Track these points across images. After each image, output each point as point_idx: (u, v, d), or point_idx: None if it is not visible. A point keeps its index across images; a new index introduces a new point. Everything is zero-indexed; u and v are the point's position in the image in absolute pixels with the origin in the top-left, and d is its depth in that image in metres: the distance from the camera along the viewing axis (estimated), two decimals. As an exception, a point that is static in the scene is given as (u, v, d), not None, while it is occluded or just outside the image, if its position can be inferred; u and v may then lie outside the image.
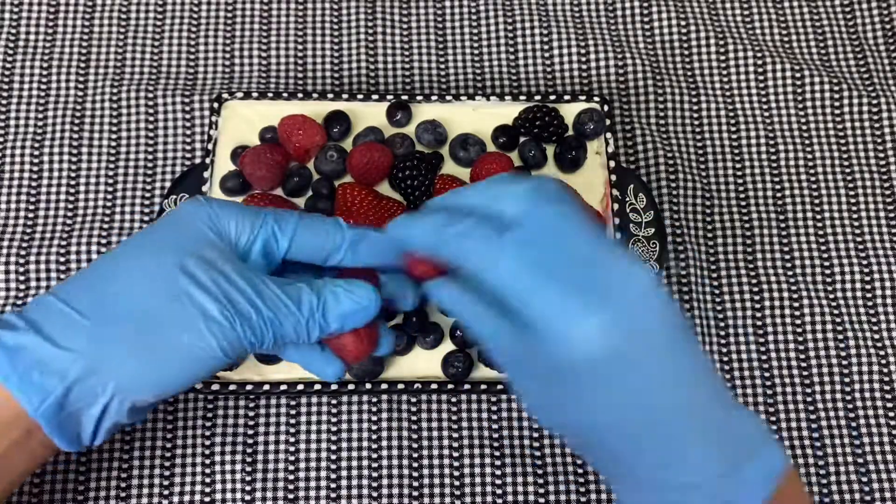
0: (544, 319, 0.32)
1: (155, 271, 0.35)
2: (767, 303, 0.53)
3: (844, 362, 0.52)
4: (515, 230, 0.33)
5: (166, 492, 0.49)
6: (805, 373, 0.52)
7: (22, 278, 0.53)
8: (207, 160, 0.51)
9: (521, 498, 0.49)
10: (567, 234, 0.33)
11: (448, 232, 0.35)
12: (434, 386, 0.46)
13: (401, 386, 0.46)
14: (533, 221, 0.33)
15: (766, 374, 0.52)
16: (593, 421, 0.33)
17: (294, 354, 0.41)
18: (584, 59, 0.59)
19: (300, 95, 0.52)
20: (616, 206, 0.50)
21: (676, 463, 0.33)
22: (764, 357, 0.52)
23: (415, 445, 0.50)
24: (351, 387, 0.46)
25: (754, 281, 0.54)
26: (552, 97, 0.52)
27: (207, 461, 0.49)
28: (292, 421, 0.50)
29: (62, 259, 0.53)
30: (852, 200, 0.56)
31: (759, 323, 0.53)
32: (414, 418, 0.51)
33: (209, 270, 0.35)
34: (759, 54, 0.59)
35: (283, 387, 0.46)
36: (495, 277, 0.33)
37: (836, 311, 0.53)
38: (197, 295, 0.35)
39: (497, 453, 0.50)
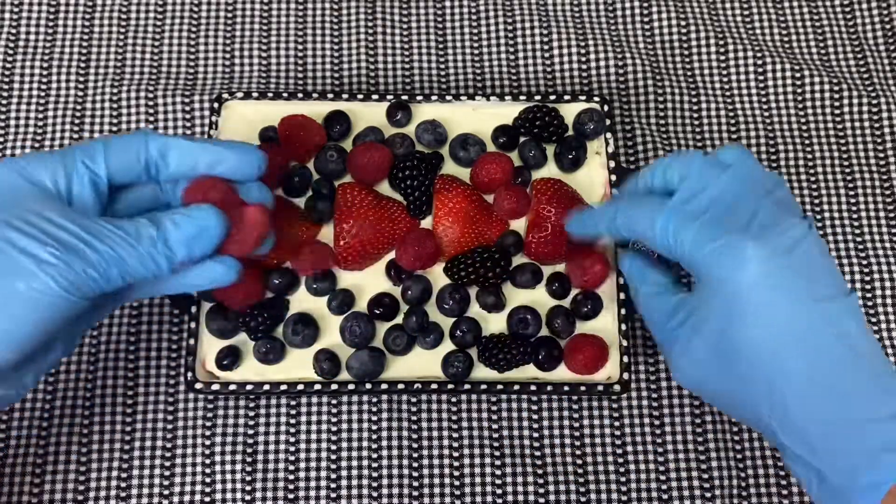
0: (710, 257, 0.37)
1: None
2: (767, 303, 0.53)
3: (844, 362, 0.52)
4: (679, 194, 0.39)
5: (166, 492, 0.49)
6: (805, 373, 0.52)
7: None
8: (207, 160, 0.51)
9: (521, 498, 0.49)
10: (740, 191, 0.38)
11: (617, 208, 0.41)
12: (434, 386, 0.46)
13: (401, 386, 0.46)
14: (698, 184, 0.39)
15: (766, 374, 0.52)
16: (751, 349, 0.36)
17: (180, 283, 0.40)
18: (584, 59, 0.59)
19: (300, 95, 0.52)
20: (616, 206, 0.50)
21: (824, 400, 0.35)
22: (764, 357, 0.52)
23: (415, 445, 0.50)
24: (351, 387, 0.46)
25: (754, 281, 0.54)
26: (552, 97, 0.52)
27: (207, 461, 0.49)
28: (292, 421, 0.50)
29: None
30: (852, 200, 0.56)
31: (759, 323, 0.53)
32: (414, 418, 0.51)
33: (32, 217, 0.35)
34: (759, 54, 0.59)
35: (283, 387, 0.46)
36: (654, 233, 0.39)
37: (836, 311, 0.53)
38: (22, 241, 0.35)
39: (497, 453, 0.50)
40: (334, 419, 0.50)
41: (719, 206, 0.38)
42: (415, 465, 0.50)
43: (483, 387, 0.47)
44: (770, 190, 0.38)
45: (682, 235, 0.38)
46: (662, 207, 0.39)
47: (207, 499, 0.49)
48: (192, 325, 0.47)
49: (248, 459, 0.49)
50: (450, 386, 0.47)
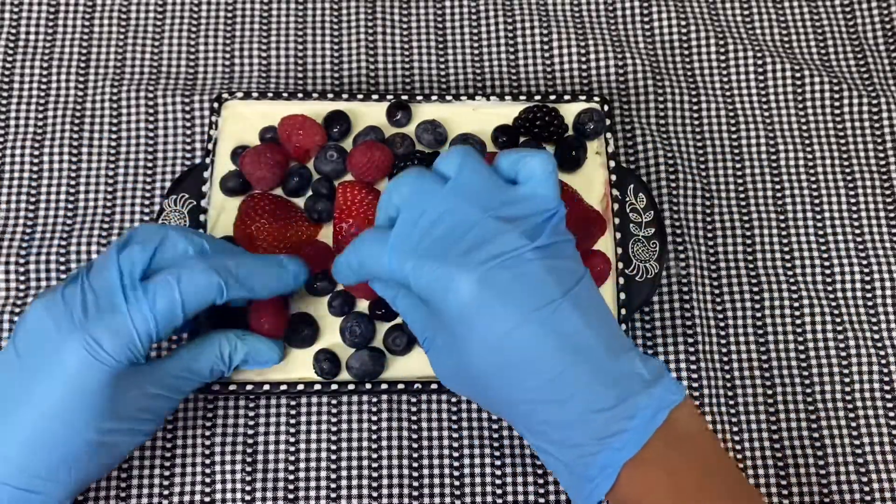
0: (428, 288, 0.37)
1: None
2: (767, 303, 0.53)
3: (844, 362, 0.52)
4: (397, 227, 0.39)
5: (166, 492, 0.49)
6: (805, 373, 0.52)
7: (22, 278, 0.53)
8: (207, 160, 0.51)
9: (521, 498, 0.49)
10: (458, 207, 0.38)
11: (350, 253, 0.42)
12: (434, 386, 0.46)
13: (401, 386, 0.46)
14: (414, 210, 0.39)
15: (766, 374, 0.52)
16: (478, 367, 0.38)
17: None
18: (584, 59, 0.59)
19: (300, 95, 0.52)
20: (616, 206, 0.50)
21: (552, 401, 0.37)
22: (764, 357, 0.52)
23: (415, 445, 0.50)
24: (351, 387, 0.46)
25: (754, 281, 0.54)
26: (552, 97, 0.52)
27: (207, 461, 0.49)
28: (292, 421, 0.50)
29: (62, 259, 0.53)
30: (852, 200, 0.56)
31: (759, 323, 0.53)
32: (414, 418, 0.51)
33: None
34: (759, 54, 0.59)
35: (283, 387, 0.46)
36: (384, 270, 0.39)
37: (836, 311, 0.53)
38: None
39: (497, 453, 0.50)
40: (334, 419, 0.50)
41: (436, 231, 0.38)
42: (415, 465, 0.50)
43: None
44: (491, 203, 0.39)
45: (404, 270, 0.38)
46: (385, 243, 0.39)
47: (207, 499, 0.49)
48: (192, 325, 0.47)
49: (248, 459, 0.49)
50: (450, 386, 0.47)
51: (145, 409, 0.41)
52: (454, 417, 0.51)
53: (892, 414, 0.51)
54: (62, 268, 0.53)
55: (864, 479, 0.50)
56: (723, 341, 0.53)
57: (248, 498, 0.49)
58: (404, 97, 0.52)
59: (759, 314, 0.53)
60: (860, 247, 0.55)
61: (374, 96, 0.52)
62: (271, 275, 0.44)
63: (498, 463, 0.50)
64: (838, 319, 0.53)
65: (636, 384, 0.37)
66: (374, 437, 0.50)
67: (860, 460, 0.50)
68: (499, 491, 0.49)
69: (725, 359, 0.52)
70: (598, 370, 0.37)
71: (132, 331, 0.39)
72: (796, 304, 0.53)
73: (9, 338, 0.42)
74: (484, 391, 0.39)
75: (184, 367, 0.42)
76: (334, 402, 0.51)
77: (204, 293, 0.40)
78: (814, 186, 0.56)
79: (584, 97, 0.52)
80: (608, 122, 0.52)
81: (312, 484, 0.49)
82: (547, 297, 0.37)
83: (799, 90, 0.58)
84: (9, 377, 0.39)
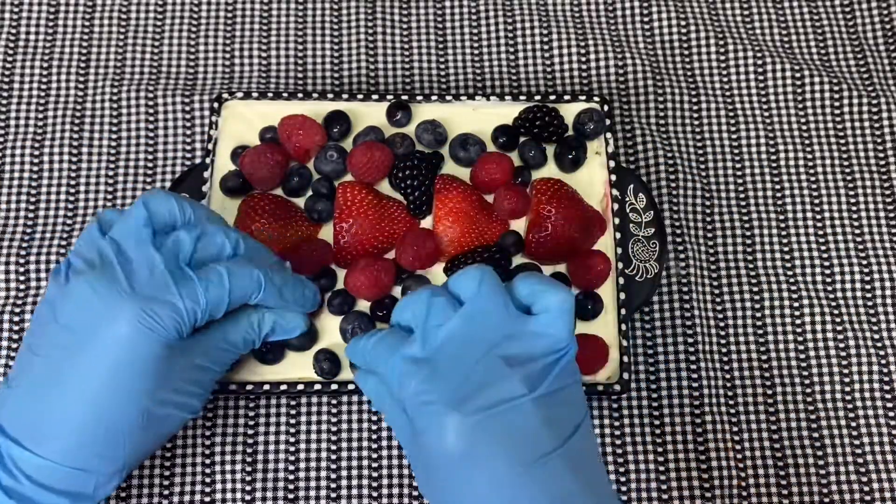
0: (421, 417, 0.37)
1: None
2: (767, 303, 0.53)
3: (844, 362, 0.52)
4: (411, 343, 0.39)
5: (166, 492, 0.49)
6: (805, 373, 0.52)
7: (22, 278, 0.53)
8: (207, 160, 0.51)
9: (521, 498, 0.49)
10: (463, 338, 0.38)
11: (368, 344, 0.42)
12: (434, 386, 0.46)
13: (401, 386, 0.46)
14: (426, 331, 0.39)
15: (766, 374, 0.52)
16: None
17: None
18: (584, 59, 0.59)
19: (300, 95, 0.52)
20: (616, 206, 0.50)
21: None
22: (764, 357, 0.52)
23: (415, 445, 0.50)
24: (351, 387, 0.46)
25: (754, 281, 0.54)
26: (552, 97, 0.52)
27: (207, 461, 0.49)
28: (292, 421, 0.50)
29: (62, 259, 0.53)
30: (852, 200, 0.56)
31: (759, 323, 0.53)
32: (414, 418, 0.50)
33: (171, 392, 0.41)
34: (759, 54, 0.59)
35: (283, 387, 0.46)
36: (389, 380, 0.40)
37: (836, 311, 0.53)
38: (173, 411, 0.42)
39: (497, 453, 0.50)
40: (334, 419, 0.50)
41: (441, 360, 0.38)
42: (415, 465, 0.50)
43: None
44: (500, 339, 0.38)
45: (406, 388, 0.38)
46: (395, 353, 0.39)
47: (207, 499, 0.49)
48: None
49: (248, 459, 0.49)
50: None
51: (194, 382, 0.42)
52: (454, 417, 0.51)
53: (892, 414, 0.51)
54: (62, 268, 0.53)
55: (864, 479, 0.50)
56: (723, 341, 0.53)
57: (248, 498, 0.49)
58: (404, 97, 0.52)
59: (759, 314, 0.53)
60: (860, 247, 0.55)
61: (374, 96, 0.52)
62: (299, 289, 0.45)
63: (498, 463, 0.50)
64: (838, 319, 0.53)
65: None
66: (374, 437, 0.50)
67: (860, 460, 0.50)
68: (499, 491, 0.49)
69: (725, 359, 0.52)
70: None
71: (182, 309, 0.39)
72: (796, 304, 0.53)
73: (32, 319, 0.42)
74: None
75: (221, 338, 0.43)
76: (334, 402, 0.51)
77: (247, 289, 0.42)
78: (814, 186, 0.56)
79: (584, 97, 0.52)
80: (608, 122, 0.52)
81: (312, 484, 0.49)
82: (539, 450, 0.36)
83: (799, 90, 0.58)
84: (59, 353, 0.39)
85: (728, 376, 0.52)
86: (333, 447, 0.50)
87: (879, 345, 0.52)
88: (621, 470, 0.50)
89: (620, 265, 0.49)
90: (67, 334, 0.39)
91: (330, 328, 0.48)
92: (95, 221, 0.42)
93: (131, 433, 0.40)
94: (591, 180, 0.51)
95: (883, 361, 0.52)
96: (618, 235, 0.50)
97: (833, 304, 0.53)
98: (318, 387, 0.47)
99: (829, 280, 0.54)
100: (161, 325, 0.39)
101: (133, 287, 0.39)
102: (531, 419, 0.36)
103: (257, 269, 0.42)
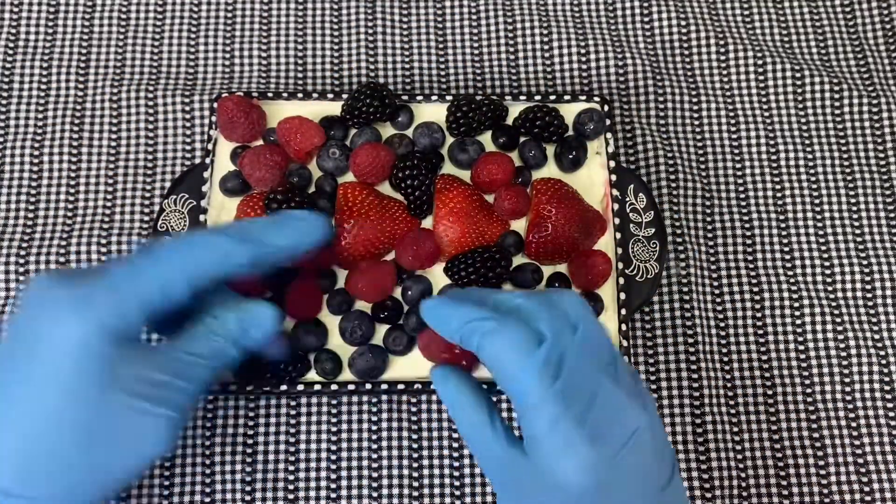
0: (546, 441, 0.35)
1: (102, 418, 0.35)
2: (767, 303, 0.53)
3: (844, 362, 0.52)
4: (546, 349, 0.35)
5: (166, 492, 0.49)
6: (805, 373, 0.52)
7: (22, 278, 0.53)
8: (207, 160, 0.51)
9: (521, 498, 0.49)
10: (586, 362, 0.36)
11: (484, 327, 0.36)
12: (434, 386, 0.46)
13: (401, 386, 0.46)
14: (560, 344, 0.35)
15: (766, 374, 0.52)
16: None
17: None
18: (584, 59, 0.59)
19: (300, 95, 0.52)
20: (616, 206, 0.50)
21: None
22: (764, 357, 0.52)
23: (415, 445, 0.50)
24: (351, 387, 0.46)
25: (754, 281, 0.54)
26: (552, 97, 0.52)
27: (207, 461, 0.49)
28: (292, 421, 0.50)
29: (62, 259, 0.53)
30: (852, 200, 0.56)
31: (759, 323, 0.53)
32: (414, 418, 0.51)
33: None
34: (759, 54, 0.59)
35: (283, 387, 0.46)
36: (514, 388, 0.36)
37: (836, 311, 0.53)
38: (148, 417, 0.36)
39: (497, 453, 0.50)
40: (334, 419, 0.50)
41: (570, 377, 0.35)
42: (415, 465, 0.50)
43: (483, 387, 0.47)
44: (607, 362, 0.37)
45: (543, 413, 0.35)
46: (530, 359, 0.35)
47: (207, 499, 0.49)
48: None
49: (248, 459, 0.49)
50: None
51: (157, 400, 0.36)
52: (454, 417, 0.51)
53: (892, 414, 0.51)
54: (62, 268, 0.53)
55: (864, 479, 0.50)
56: (723, 341, 0.53)
57: (248, 498, 0.49)
58: (404, 97, 0.52)
59: (759, 314, 0.53)
60: (860, 247, 0.55)
61: (374, 96, 0.52)
62: (290, 226, 0.40)
63: (498, 463, 0.50)
64: (838, 319, 0.53)
65: None
66: (374, 437, 0.50)
67: (860, 460, 0.50)
68: (499, 491, 0.49)
69: (725, 359, 0.52)
70: None
71: (123, 296, 0.35)
72: (796, 304, 0.53)
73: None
74: None
75: (182, 348, 0.37)
76: (334, 402, 0.51)
77: (211, 255, 0.37)
78: (814, 186, 0.56)
79: (584, 97, 0.52)
80: (608, 122, 0.52)
81: (312, 484, 0.49)
82: (667, 470, 0.36)
83: (799, 90, 0.58)
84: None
85: (728, 376, 0.52)
86: (333, 447, 0.50)
87: (879, 345, 0.52)
88: (621, 470, 0.50)
89: (621, 265, 0.49)
90: (8, 342, 0.36)
91: (330, 328, 0.48)
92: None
93: (74, 452, 0.35)
94: (592, 180, 0.51)
95: (883, 361, 0.52)
96: (618, 235, 0.50)
97: (833, 304, 0.53)
98: (318, 387, 0.46)
99: (829, 280, 0.54)
100: (98, 315, 0.34)
101: (74, 279, 0.36)
102: (649, 444, 0.36)
103: (220, 230, 0.38)
